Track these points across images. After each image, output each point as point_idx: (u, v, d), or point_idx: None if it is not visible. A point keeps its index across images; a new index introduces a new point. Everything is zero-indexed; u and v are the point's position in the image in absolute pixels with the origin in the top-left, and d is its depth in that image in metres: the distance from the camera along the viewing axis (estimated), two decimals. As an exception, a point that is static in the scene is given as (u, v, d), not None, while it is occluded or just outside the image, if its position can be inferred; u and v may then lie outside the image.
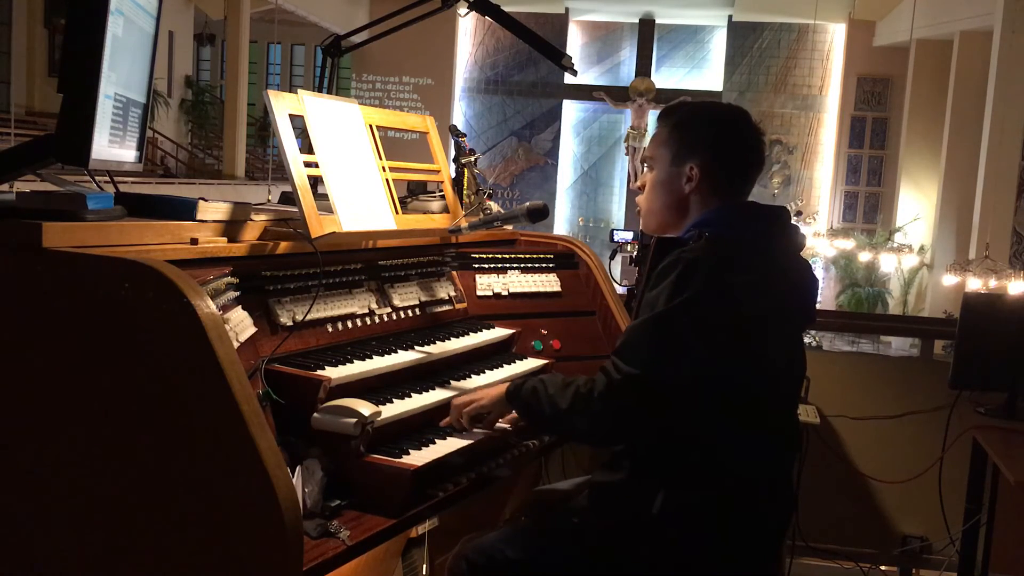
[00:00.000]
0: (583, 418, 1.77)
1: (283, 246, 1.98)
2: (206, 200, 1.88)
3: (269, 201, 2.51)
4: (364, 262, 2.21)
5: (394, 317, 2.25)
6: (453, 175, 2.68)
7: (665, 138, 1.93)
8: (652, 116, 17.62)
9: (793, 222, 1.94)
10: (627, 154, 17.91)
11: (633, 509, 1.77)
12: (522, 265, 2.72)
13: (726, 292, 1.72)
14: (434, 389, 2.06)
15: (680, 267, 1.72)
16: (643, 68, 17.87)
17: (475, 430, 1.97)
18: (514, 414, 1.97)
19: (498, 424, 2.00)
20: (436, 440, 1.92)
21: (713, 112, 1.98)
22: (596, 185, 18.50)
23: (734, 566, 1.81)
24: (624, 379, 1.70)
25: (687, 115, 1.95)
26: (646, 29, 17.89)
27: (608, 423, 1.75)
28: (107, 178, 2.08)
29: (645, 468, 1.79)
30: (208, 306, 1.45)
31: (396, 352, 2.08)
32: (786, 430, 1.92)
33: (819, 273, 16.85)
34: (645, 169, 2.00)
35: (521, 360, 2.45)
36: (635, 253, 3.92)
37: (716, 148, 1.89)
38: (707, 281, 1.70)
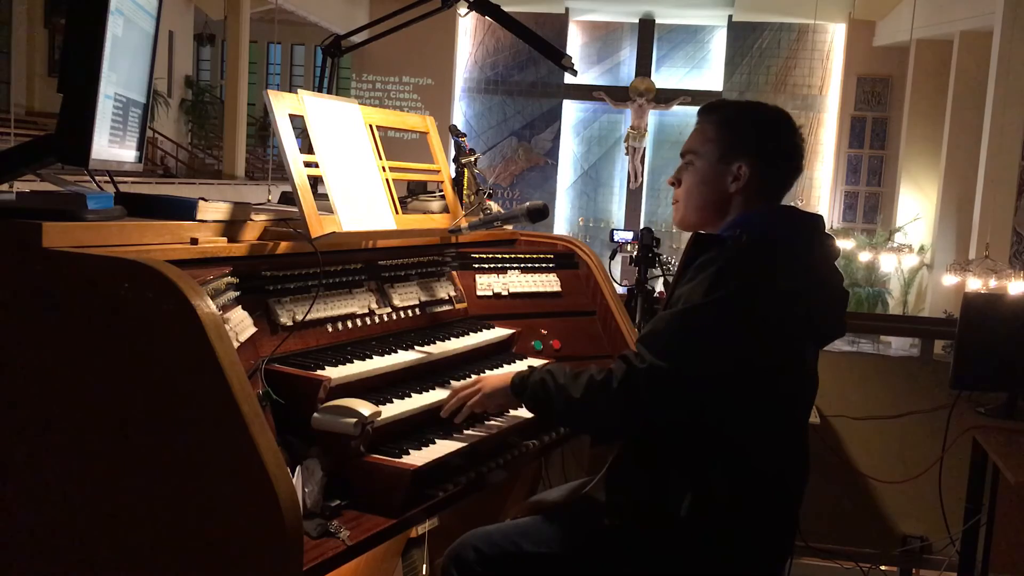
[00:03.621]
0: (598, 407, 1.75)
1: (283, 246, 1.98)
2: (206, 200, 1.88)
3: (269, 201, 2.51)
4: (364, 262, 2.21)
5: (394, 317, 2.25)
6: (453, 175, 2.68)
7: (712, 135, 1.90)
8: (652, 116, 17.65)
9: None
10: (627, 154, 17.91)
11: (661, 510, 1.76)
12: (522, 265, 2.72)
13: (762, 296, 1.71)
14: (434, 389, 2.07)
15: (719, 264, 1.71)
16: (643, 68, 17.87)
17: (473, 431, 1.96)
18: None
19: (495, 422, 2.00)
20: (436, 440, 1.92)
21: (764, 112, 1.95)
22: (596, 185, 18.50)
23: (758, 566, 1.81)
24: (648, 368, 1.69)
25: (736, 113, 1.94)
26: (646, 29, 17.89)
27: (625, 412, 1.74)
28: (107, 178, 2.08)
29: (668, 466, 1.78)
30: (208, 306, 1.45)
31: (396, 352, 2.08)
32: (803, 434, 1.92)
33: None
34: (682, 163, 1.97)
35: (521, 360, 2.45)
36: (635, 253, 3.93)
37: (767, 149, 1.88)
38: (744, 283, 1.70)
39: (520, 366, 2.39)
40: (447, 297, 2.47)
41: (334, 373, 1.82)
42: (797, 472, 1.90)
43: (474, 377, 2.04)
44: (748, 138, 1.88)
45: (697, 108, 2.03)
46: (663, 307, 1.86)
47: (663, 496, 1.76)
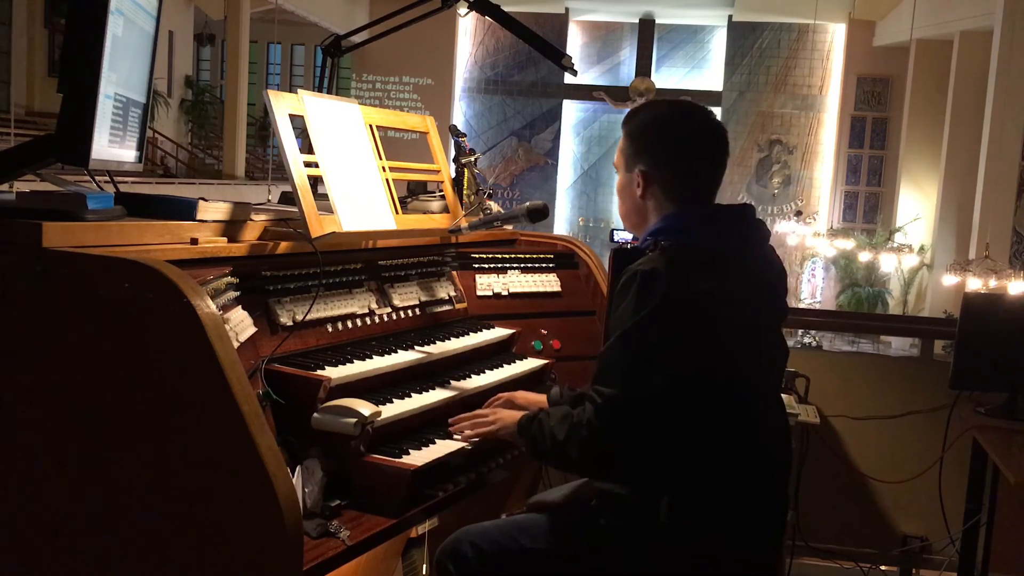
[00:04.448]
0: (575, 447, 1.76)
1: (283, 246, 1.98)
2: (206, 200, 1.88)
3: (269, 201, 2.51)
4: (364, 262, 2.21)
5: (394, 317, 2.25)
6: (453, 175, 2.68)
7: (622, 145, 1.94)
8: (652, 116, 17.59)
9: (763, 218, 1.92)
10: (627, 154, 17.89)
11: (641, 518, 1.77)
12: (522, 265, 2.72)
13: (686, 301, 1.72)
14: (434, 389, 2.07)
15: (638, 281, 1.72)
16: (643, 68, 17.87)
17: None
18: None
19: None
20: (436, 440, 1.92)
21: (657, 114, 1.94)
22: (596, 185, 18.50)
23: (744, 566, 1.82)
24: (605, 402, 1.71)
25: (641, 120, 1.93)
26: (646, 29, 17.88)
27: (598, 448, 1.75)
28: (107, 178, 2.08)
29: (644, 474, 1.79)
30: (208, 306, 1.45)
31: (396, 352, 2.08)
32: (770, 425, 1.91)
33: (819, 273, 16.88)
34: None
35: (521, 360, 2.45)
36: (635, 253, 3.92)
37: (656, 152, 1.88)
38: (666, 292, 1.70)
39: (520, 366, 2.39)
40: (447, 297, 2.47)
41: (334, 373, 1.82)
42: (773, 465, 1.89)
43: (494, 409, 2.05)
44: (641, 144, 1.90)
45: None
46: (604, 334, 1.87)
47: (643, 501, 1.77)
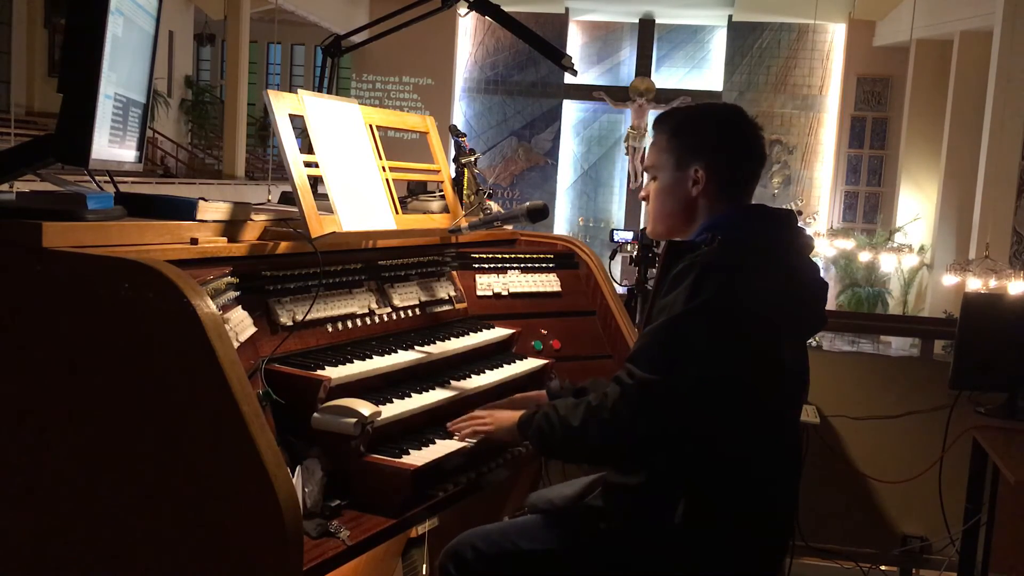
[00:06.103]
0: (595, 430, 1.74)
1: (283, 246, 1.98)
2: (206, 200, 1.88)
3: (269, 201, 2.51)
4: (364, 262, 2.21)
5: (394, 317, 2.25)
6: (453, 175, 2.68)
7: (665, 144, 1.93)
8: (652, 116, 17.62)
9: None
10: (627, 154, 17.91)
11: (654, 517, 1.76)
12: (522, 265, 2.72)
13: (741, 297, 1.72)
14: (434, 389, 2.07)
15: (696, 271, 1.72)
16: (643, 68, 17.87)
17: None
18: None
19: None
20: (436, 440, 1.92)
21: (712, 113, 1.97)
22: (596, 185, 18.50)
23: (752, 569, 1.82)
24: (637, 384, 1.69)
25: (686, 119, 1.95)
26: (646, 29, 17.88)
27: (621, 431, 1.73)
28: (107, 178, 2.09)
29: (662, 473, 1.78)
30: (208, 306, 1.45)
31: (396, 352, 2.08)
32: (793, 432, 1.92)
33: (819, 273, 16.89)
34: (647, 178, 2.00)
35: (521, 360, 2.45)
36: (635, 253, 3.93)
37: (720, 149, 1.89)
38: (722, 286, 1.70)
39: (520, 366, 2.39)
40: (447, 297, 2.47)
41: (334, 373, 1.82)
42: (790, 471, 1.90)
43: (487, 412, 2.05)
44: (700, 141, 1.90)
45: None
46: (644, 322, 1.86)
47: (657, 504, 1.77)
